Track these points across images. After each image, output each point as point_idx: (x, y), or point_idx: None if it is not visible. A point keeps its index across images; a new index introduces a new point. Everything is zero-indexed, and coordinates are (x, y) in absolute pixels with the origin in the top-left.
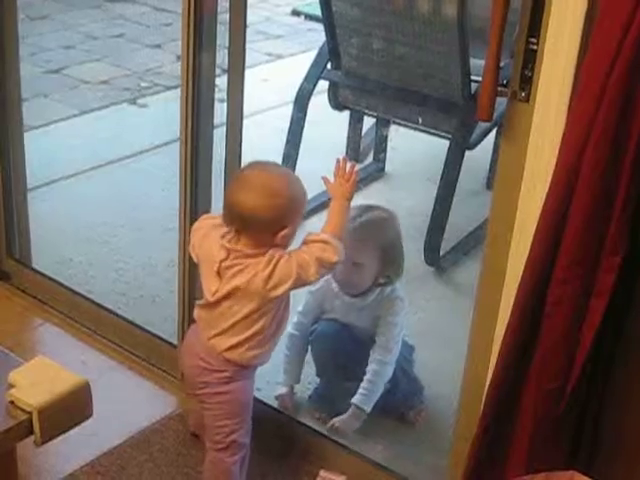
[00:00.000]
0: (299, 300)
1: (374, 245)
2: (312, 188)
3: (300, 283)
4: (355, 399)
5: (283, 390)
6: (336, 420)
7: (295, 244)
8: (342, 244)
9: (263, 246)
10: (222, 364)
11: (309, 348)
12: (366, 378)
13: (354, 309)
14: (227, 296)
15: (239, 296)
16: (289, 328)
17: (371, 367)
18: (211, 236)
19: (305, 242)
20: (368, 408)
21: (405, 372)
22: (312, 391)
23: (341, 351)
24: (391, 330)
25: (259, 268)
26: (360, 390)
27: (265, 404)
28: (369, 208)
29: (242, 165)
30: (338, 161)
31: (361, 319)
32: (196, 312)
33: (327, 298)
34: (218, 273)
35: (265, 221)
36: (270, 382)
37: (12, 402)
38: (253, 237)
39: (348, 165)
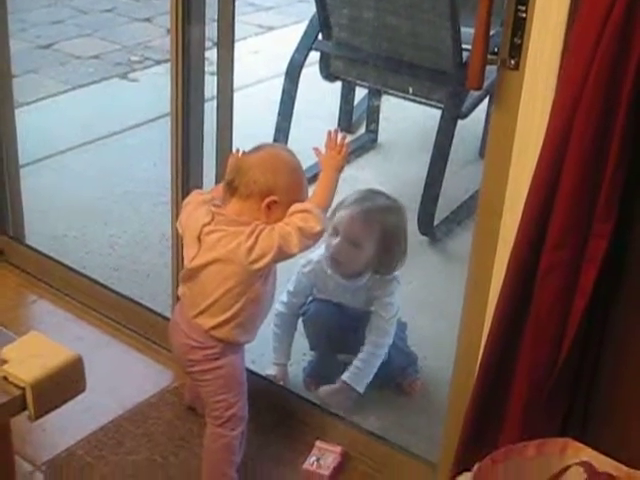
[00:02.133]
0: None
1: (374, 231)
2: (304, 160)
3: (283, 255)
4: (345, 376)
5: (275, 370)
6: (322, 389)
7: None
8: (326, 215)
9: (248, 215)
10: (210, 341)
11: (300, 326)
12: (359, 357)
13: (348, 290)
14: (206, 266)
15: (219, 269)
16: (278, 306)
17: (366, 348)
18: (199, 209)
19: (288, 214)
20: (360, 388)
21: (398, 348)
22: (307, 363)
23: (335, 329)
24: (387, 310)
25: (242, 239)
26: (351, 368)
27: (259, 376)
28: (380, 195)
29: (233, 138)
30: (329, 133)
31: (355, 300)
32: (180, 289)
33: (319, 279)
34: (198, 238)
35: (257, 184)
36: (264, 354)
37: (5, 378)
38: (242, 201)
39: (339, 137)
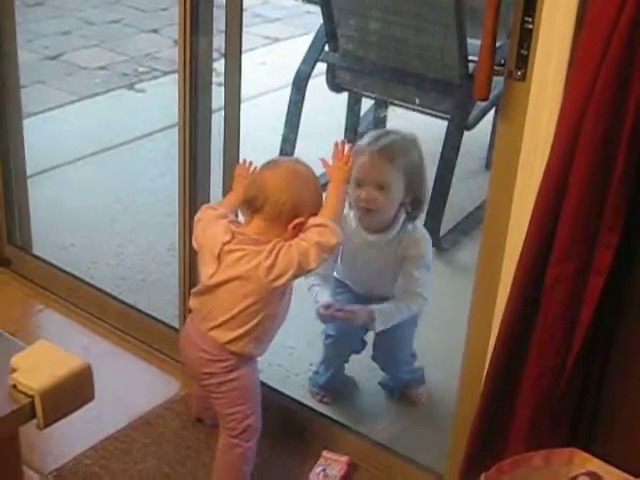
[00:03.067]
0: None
1: (398, 167)
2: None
3: (302, 271)
4: (373, 305)
5: (325, 300)
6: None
7: None
8: (340, 227)
9: (270, 234)
10: (224, 353)
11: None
12: (391, 301)
13: (375, 247)
14: (225, 283)
15: (238, 287)
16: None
17: (398, 296)
18: (216, 224)
19: (304, 229)
20: (377, 325)
21: (406, 343)
22: (312, 374)
23: (356, 345)
24: (420, 271)
25: (261, 258)
26: (382, 305)
27: (267, 386)
28: (389, 132)
29: (240, 149)
30: (336, 144)
31: (383, 258)
32: (192, 302)
33: (346, 237)
34: (218, 256)
35: (285, 205)
36: (272, 364)
37: (14, 386)
38: (266, 221)
39: (346, 148)
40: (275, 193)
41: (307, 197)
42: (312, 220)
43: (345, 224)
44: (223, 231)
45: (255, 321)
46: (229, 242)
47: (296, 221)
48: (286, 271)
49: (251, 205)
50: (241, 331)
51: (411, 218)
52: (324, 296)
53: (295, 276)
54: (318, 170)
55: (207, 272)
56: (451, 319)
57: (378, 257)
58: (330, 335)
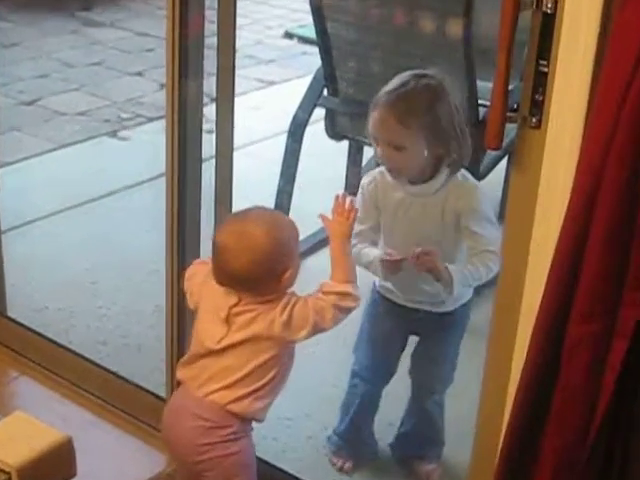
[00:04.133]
0: None
1: (411, 127)
2: (309, 225)
3: (317, 330)
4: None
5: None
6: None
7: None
8: (357, 286)
9: (272, 293)
10: (226, 419)
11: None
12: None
13: (419, 202)
14: (236, 345)
15: (253, 345)
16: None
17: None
18: (213, 285)
19: (322, 291)
20: (455, 286)
21: (433, 412)
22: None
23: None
24: (480, 222)
25: (276, 314)
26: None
27: (263, 461)
28: (416, 76)
29: (233, 201)
30: (337, 197)
31: (430, 217)
32: (181, 372)
33: (381, 193)
34: (226, 320)
35: (263, 276)
36: (267, 437)
37: None
38: (257, 291)
39: (347, 201)
40: (249, 278)
41: (278, 253)
42: (334, 286)
43: (382, 180)
44: (226, 294)
45: (267, 378)
46: (237, 304)
47: (287, 275)
48: (303, 326)
49: (234, 290)
50: (249, 389)
51: (453, 170)
52: (375, 251)
53: (311, 335)
54: (317, 225)
55: (214, 336)
56: (462, 386)
57: (424, 215)
58: (359, 371)
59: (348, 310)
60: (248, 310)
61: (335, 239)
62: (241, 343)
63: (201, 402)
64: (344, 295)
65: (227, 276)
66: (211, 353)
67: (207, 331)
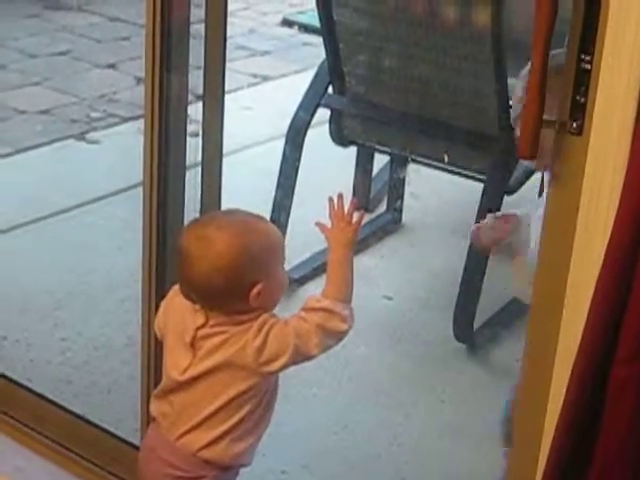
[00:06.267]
0: None
1: None
2: (312, 245)
3: (300, 357)
4: None
5: None
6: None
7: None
8: (351, 307)
9: (244, 313)
10: (198, 468)
11: None
12: None
13: None
14: (205, 376)
15: (221, 376)
16: None
17: None
18: (180, 302)
19: (304, 308)
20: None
21: None
22: None
23: None
24: None
25: (248, 337)
26: None
27: None
28: None
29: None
30: (331, 200)
31: None
32: (154, 406)
33: None
34: (192, 345)
35: (226, 289)
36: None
37: None
38: (225, 309)
39: (349, 203)
40: (208, 288)
41: (243, 260)
42: (316, 302)
43: None
44: (192, 314)
45: (238, 416)
46: (204, 325)
47: (255, 291)
48: (279, 355)
49: (191, 300)
50: (220, 431)
51: None
52: None
53: (292, 362)
54: (321, 244)
55: (178, 365)
56: (488, 437)
57: None
58: None
59: (337, 334)
60: (217, 333)
61: (335, 249)
62: (209, 373)
63: (171, 447)
64: (329, 314)
65: (188, 285)
66: (179, 386)
67: (173, 359)
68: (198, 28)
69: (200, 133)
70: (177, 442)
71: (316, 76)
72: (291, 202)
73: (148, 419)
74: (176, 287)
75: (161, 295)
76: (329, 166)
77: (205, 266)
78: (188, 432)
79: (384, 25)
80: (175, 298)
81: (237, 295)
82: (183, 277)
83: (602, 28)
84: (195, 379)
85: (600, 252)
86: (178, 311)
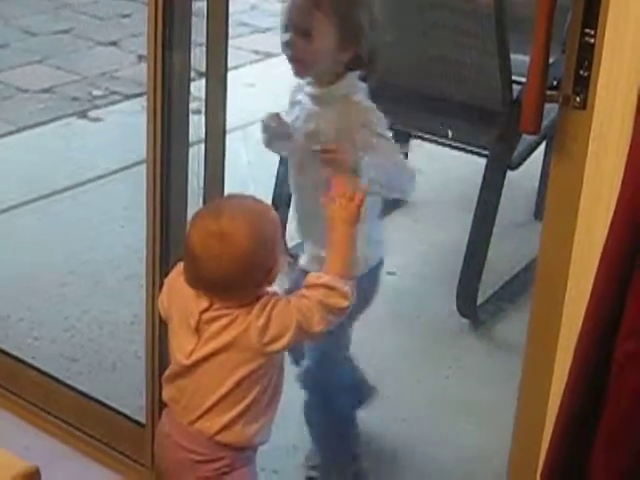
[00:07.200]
0: None
1: (326, 5)
2: None
3: (303, 335)
4: None
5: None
6: None
7: None
8: (352, 283)
9: (251, 296)
10: (217, 451)
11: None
12: None
13: (319, 102)
14: (209, 358)
15: (226, 358)
16: None
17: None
18: (182, 283)
19: (306, 285)
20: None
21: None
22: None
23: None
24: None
25: (252, 317)
26: None
27: None
28: None
29: (224, 191)
30: (333, 180)
31: (330, 124)
32: (164, 392)
33: (297, 93)
34: (197, 328)
35: (246, 281)
36: (265, 469)
37: None
38: (237, 297)
39: (352, 180)
40: (229, 283)
41: (261, 252)
42: (317, 279)
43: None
44: (195, 297)
45: (249, 399)
46: (207, 309)
47: (272, 276)
48: (283, 333)
49: (199, 289)
50: (233, 414)
51: (354, 68)
52: None
53: (295, 340)
54: None
55: (184, 349)
56: (492, 410)
57: (326, 123)
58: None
59: (339, 311)
60: (222, 315)
61: (337, 225)
62: (214, 355)
63: (186, 432)
64: (329, 290)
65: (202, 282)
66: (186, 370)
67: (178, 343)
68: (200, 5)
69: (203, 110)
70: (191, 427)
71: None
72: None
73: (154, 397)
74: (179, 266)
75: (165, 272)
76: None
77: (226, 261)
78: (201, 417)
79: (387, 1)
80: (178, 278)
81: (254, 283)
82: (196, 275)
83: (605, 2)
84: (200, 362)
85: (604, 227)
86: (181, 294)
